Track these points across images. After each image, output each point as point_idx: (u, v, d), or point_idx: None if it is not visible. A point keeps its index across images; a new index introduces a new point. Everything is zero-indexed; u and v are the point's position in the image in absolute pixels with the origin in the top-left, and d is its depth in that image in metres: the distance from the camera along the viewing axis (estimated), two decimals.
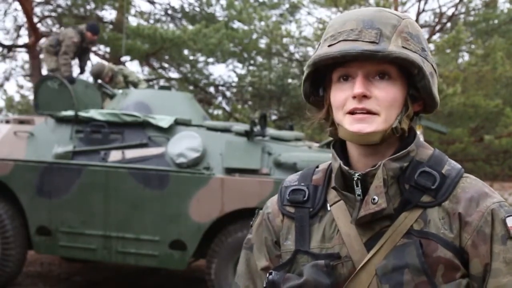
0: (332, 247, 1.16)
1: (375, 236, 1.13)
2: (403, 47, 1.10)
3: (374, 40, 1.08)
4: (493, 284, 1.08)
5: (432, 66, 1.15)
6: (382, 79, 1.11)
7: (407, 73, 1.12)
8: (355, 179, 1.12)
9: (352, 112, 1.11)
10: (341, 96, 1.13)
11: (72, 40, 7.21)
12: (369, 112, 1.10)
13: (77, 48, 7.25)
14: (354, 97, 1.10)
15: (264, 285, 1.17)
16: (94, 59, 12.97)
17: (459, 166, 1.18)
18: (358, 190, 1.12)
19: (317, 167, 1.30)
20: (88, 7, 13.62)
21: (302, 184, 1.26)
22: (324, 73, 1.18)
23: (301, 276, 1.13)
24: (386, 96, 1.11)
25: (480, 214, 1.11)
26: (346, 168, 1.14)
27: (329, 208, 1.20)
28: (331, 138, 1.25)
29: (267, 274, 1.17)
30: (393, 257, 1.10)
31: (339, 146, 1.22)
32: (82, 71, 7.57)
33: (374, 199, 1.10)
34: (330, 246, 1.16)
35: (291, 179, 1.30)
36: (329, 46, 1.12)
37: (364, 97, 1.10)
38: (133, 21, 13.93)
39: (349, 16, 1.14)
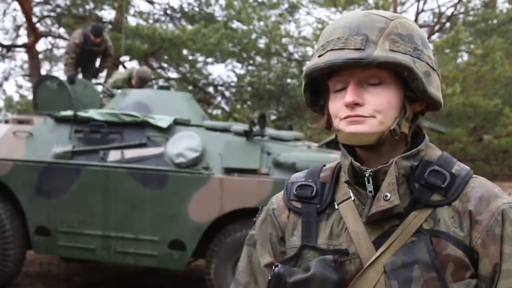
0: (340, 244, 1.15)
1: (384, 234, 1.12)
2: (391, 50, 1.08)
3: (359, 47, 1.08)
4: (504, 286, 1.07)
5: (428, 64, 1.13)
6: (374, 84, 1.10)
7: (401, 75, 1.10)
8: (367, 175, 1.12)
9: (346, 118, 1.11)
10: (336, 105, 1.13)
11: (74, 41, 7.26)
12: (363, 116, 1.10)
13: (81, 49, 7.24)
14: (346, 106, 1.11)
15: (269, 278, 1.15)
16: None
17: (468, 167, 1.18)
18: (370, 187, 1.11)
19: (324, 165, 1.29)
20: (87, 7, 13.62)
21: (310, 180, 1.25)
22: (322, 81, 1.18)
23: (307, 272, 1.11)
24: (380, 101, 1.10)
25: (491, 214, 1.10)
26: (358, 164, 1.13)
27: (336, 207, 1.19)
28: (330, 138, 1.25)
29: (273, 267, 1.16)
30: (402, 254, 1.09)
31: (347, 147, 1.20)
32: (95, 75, 7.40)
33: (386, 196, 1.09)
34: (337, 244, 1.15)
35: (298, 175, 1.29)
36: (319, 56, 1.12)
37: (356, 104, 1.09)
38: (132, 21, 13.94)
39: (338, 24, 1.14)
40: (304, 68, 1.15)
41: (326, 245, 1.16)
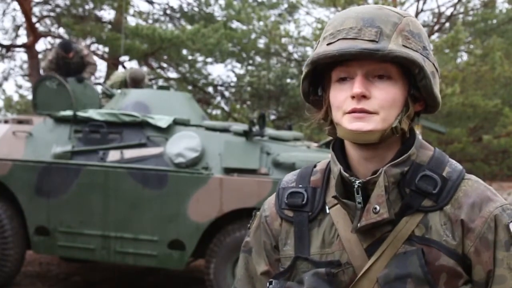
0: (332, 252, 1.14)
1: (376, 242, 1.11)
2: (403, 45, 1.07)
3: (373, 39, 1.06)
4: None
5: (434, 65, 1.12)
6: (382, 79, 1.09)
7: (408, 72, 1.09)
8: (356, 186, 1.10)
9: (351, 112, 1.09)
10: (340, 96, 1.10)
11: (48, 59, 7.05)
12: (368, 112, 1.07)
13: (56, 64, 6.98)
14: (353, 97, 1.08)
15: None
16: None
17: (460, 167, 1.16)
18: (359, 198, 1.10)
19: (315, 166, 1.27)
20: (86, 7, 13.63)
21: (300, 186, 1.23)
22: (323, 72, 1.16)
23: (302, 284, 1.11)
24: (386, 96, 1.08)
25: (483, 220, 1.08)
26: (347, 175, 1.12)
27: (328, 211, 1.18)
28: (330, 138, 1.22)
29: (267, 283, 1.16)
30: (395, 266, 1.08)
31: (339, 148, 1.19)
32: (80, 81, 7.07)
33: (375, 208, 1.08)
34: (330, 252, 1.14)
35: (288, 179, 1.27)
36: (328, 44, 1.09)
37: (363, 97, 1.07)
38: (131, 21, 13.94)
39: (348, 14, 1.11)
40: (311, 55, 1.10)
41: (319, 255, 1.15)
